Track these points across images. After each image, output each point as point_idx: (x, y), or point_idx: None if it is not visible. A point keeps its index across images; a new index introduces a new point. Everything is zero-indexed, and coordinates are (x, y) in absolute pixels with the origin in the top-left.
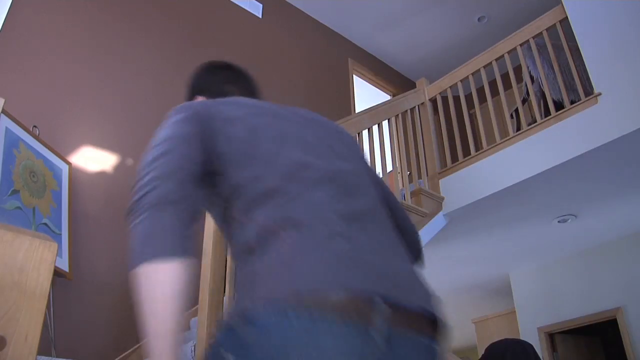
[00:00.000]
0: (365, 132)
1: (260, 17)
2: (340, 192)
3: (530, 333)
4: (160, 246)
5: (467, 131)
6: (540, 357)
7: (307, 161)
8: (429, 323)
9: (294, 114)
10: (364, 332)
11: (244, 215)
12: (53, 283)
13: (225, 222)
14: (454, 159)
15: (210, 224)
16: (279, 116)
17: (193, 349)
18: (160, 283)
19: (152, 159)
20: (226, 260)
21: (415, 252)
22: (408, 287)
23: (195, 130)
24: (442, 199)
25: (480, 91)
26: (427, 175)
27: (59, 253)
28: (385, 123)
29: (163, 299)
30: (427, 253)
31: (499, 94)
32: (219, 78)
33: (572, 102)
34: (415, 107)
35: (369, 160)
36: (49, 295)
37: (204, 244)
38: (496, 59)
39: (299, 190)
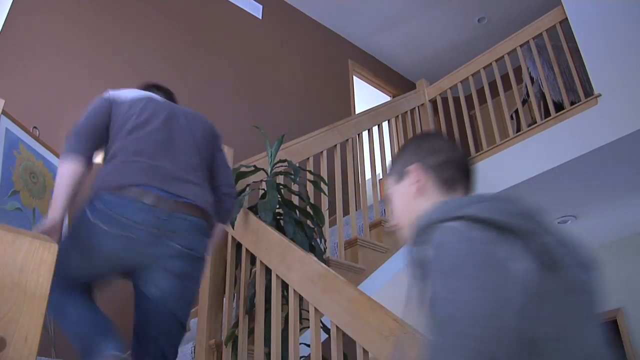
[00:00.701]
0: (365, 133)
1: (260, 18)
2: (167, 155)
3: None
4: (72, 152)
5: (467, 132)
6: None
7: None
8: (200, 210)
9: (152, 107)
10: (156, 211)
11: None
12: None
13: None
14: None
15: None
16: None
17: (193, 350)
18: (65, 172)
19: (84, 116)
20: (226, 263)
21: (227, 212)
22: (193, 193)
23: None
24: None
25: (480, 92)
26: None
27: None
28: (385, 124)
29: (64, 180)
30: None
31: (498, 95)
32: (145, 87)
33: (572, 103)
34: (415, 108)
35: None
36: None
37: None
38: (496, 60)
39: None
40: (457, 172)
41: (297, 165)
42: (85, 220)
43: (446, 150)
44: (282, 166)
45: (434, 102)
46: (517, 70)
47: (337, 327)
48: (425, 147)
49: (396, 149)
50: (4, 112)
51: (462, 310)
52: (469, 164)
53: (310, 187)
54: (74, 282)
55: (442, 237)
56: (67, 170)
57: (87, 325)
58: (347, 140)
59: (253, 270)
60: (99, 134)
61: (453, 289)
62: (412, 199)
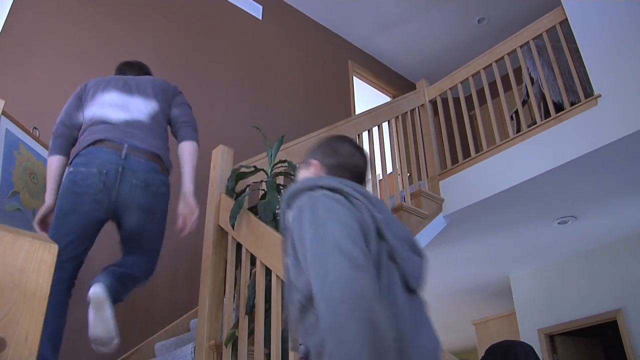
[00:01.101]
0: (365, 134)
1: (260, 18)
2: (123, 119)
3: (530, 334)
4: (53, 151)
5: (467, 133)
6: (541, 358)
7: (108, 113)
8: (155, 156)
9: (110, 83)
10: (117, 154)
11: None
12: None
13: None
14: (454, 160)
15: (209, 229)
16: (115, 84)
17: (193, 351)
18: (51, 164)
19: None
20: (225, 263)
21: (185, 132)
22: (143, 142)
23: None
24: (442, 200)
25: (480, 93)
26: (427, 176)
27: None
28: (385, 125)
29: (51, 170)
30: (427, 254)
31: (499, 95)
32: (119, 67)
33: (572, 104)
34: (415, 108)
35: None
36: (49, 297)
37: (203, 248)
38: (496, 61)
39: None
40: (347, 175)
41: (298, 165)
42: (69, 176)
43: (345, 156)
44: (282, 166)
45: (434, 102)
46: (517, 71)
47: None
48: (330, 149)
49: (396, 150)
50: (4, 113)
51: (333, 235)
52: (361, 171)
53: None
54: (65, 259)
55: (308, 199)
56: (51, 163)
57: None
58: None
59: (253, 271)
60: (71, 128)
61: (322, 222)
62: None
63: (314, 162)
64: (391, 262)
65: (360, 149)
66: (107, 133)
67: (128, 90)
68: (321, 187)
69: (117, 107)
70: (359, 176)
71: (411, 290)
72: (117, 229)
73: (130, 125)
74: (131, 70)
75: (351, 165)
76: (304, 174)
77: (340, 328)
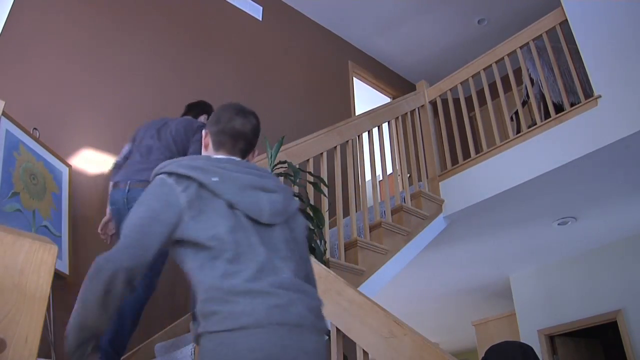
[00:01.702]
0: (365, 135)
1: (260, 19)
2: (142, 156)
3: (530, 335)
4: None
5: (467, 134)
6: (541, 359)
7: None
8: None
9: (150, 125)
10: (123, 190)
11: None
12: (53, 286)
13: None
14: (454, 161)
15: None
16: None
17: (193, 352)
18: None
19: None
20: None
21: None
22: (140, 175)
23: None
24: (442, 201)
25: (480, 93)
26: (427, 177)
27: (59, 255)
28: (385, 125)
29: None
30: (427, 255)
31: (498, 96)
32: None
33: (572, 105)
34: (415, 109)
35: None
36: (49, 297)
37: None
38: (496, 62)
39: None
40: (225, 138)
41: (297, 166)
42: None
43: (224, 121)
44: (282, 167)
45: (434, 103)
46: (517, 72)
47: (337, 328)
48: (214, 117)
49: (396, 151)
50: (4, 114)
51: (130, 221)
52: (238, 131)
53: (310, 189)
54: None
55: (152, 183)
56: None
57: None
58: (347, 141)
59: None
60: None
61: (133, 211)
62: (204, 151)
63: (204, 131)
64: (228, 209)
65: (242, 113)
66: (120, 176)
67: (155, 131)
68: (163, 173)
69: (141, 146)
70: (238, 136)
71: (266, 224)
72: None
73: (144, 162)
74: (193, 110)
75: (228, 129)
76: (203, 143)
77: (86, 289)
